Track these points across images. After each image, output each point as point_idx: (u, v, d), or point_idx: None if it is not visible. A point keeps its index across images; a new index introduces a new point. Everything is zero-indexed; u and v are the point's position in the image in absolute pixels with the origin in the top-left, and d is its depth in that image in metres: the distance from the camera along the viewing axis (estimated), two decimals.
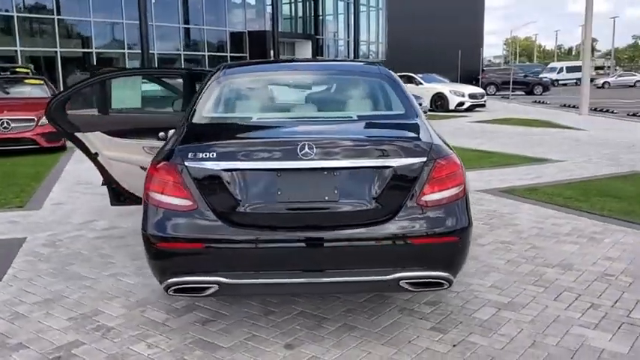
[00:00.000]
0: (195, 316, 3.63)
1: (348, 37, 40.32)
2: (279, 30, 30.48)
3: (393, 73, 4.12)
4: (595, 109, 20.71)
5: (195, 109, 3.65)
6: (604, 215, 5.93)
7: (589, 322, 3.48)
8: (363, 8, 40.16)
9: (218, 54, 29.80)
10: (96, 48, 23.71)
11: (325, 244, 2.96)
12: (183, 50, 27.92)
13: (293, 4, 36.14)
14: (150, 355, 3.15)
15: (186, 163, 3.03)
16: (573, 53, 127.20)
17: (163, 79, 5.73)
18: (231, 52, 30.21)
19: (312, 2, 35.90)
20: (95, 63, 18.86)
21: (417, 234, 2.98)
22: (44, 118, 11.27)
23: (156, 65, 23.79)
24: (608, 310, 3.63)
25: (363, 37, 40.74)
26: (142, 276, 4.33)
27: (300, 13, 36.29)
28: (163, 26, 26.06)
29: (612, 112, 20.12)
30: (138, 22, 22.16)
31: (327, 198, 3.00)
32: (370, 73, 4.20)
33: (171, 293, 3.11)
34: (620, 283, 4.08)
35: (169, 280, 3.04)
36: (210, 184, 3.01)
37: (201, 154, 3.02)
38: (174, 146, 3.15)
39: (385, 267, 2.98)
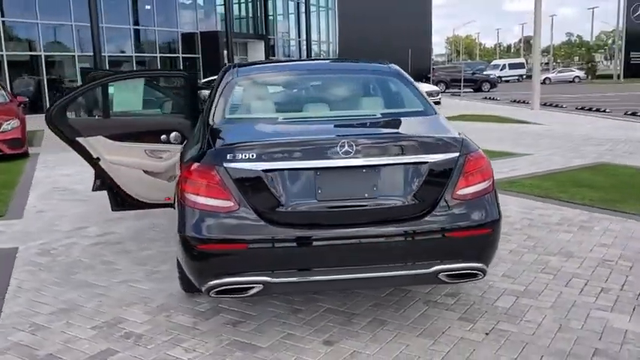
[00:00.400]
0: (223, 318, 3.62)
1: (300, 37, 40.38)
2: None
3: (403, 72, 4.20)
4: (545, 104, 21.48)
5: (215, 111, 3.63)
6: (586, 205, 6.20)
7: (605, 305, 3.65)
8: (313, 8, 40.27)
9: (170, 55, 29.32)
10: (44, 51, 22.92)
11: (366, 241, 3.01)
12: (135, 52, 27.31)
13: (244, 5, 35.91)
14: (190, 359, 3.12)
15: (225, 165, 3.02)
16: (512, 50, 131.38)
17: (152, 81, 5.67)
18: (183, 53, 29.76)
19: (263, 2, 35.76)
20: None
21: (454, 227, 3.07)
22: (5, 124, 10.97)
23: (107, 67, 23.20)
24: (619, 294, 3.82)
25: (314, 36, 40.87)
26: (154, 281, 4.27)
27: (251, 14, 36.10)
28: (113, 28, 25.42)
29: (562, 107, 20.93)
30: (87, 23, 21.53)
31: (366, 195, 3.05)
32: (383, 71, 4.26)
33: (213, 295, 3.08)
34: (622, 268, 4.29)
35: (212, 282, 3.02)
36: (250, 185, 3.01)
37: (240, 155, 3.01)
38: (209, 148, 3.13)
39: (425, 260, 3.06)
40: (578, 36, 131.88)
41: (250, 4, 35.87)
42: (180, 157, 3.73)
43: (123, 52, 26.98)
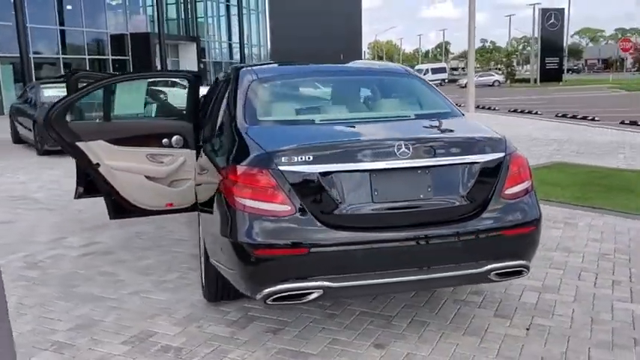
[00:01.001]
0: (259, 326, 3.51)
1: (230, 40, 39.96)
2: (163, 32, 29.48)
3: (418, 73, 4.24)
4: (478, 107, 22.30)
5: (244, 112, 3.51)
6: (561, 202, 6.48)
7: (623, 296, 3.83)
8: (244, 11, 39.96)
9: (99, 57, 28.21)
10: None
11: (423, 242, 3.01)
12: (62, 53, 26.04)
13: (174, 6, 35.10)
14: None
15: (280, 168, 2.93)
16: (430, 56, 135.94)
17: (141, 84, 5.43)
18: (113, 55, 28.71)
19: (193, 4, 35.10)
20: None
21: (505, 226, 3.13)
22: None
23: (33, 69, 22.04)
24: (631, 285, 4.02)
25: (244, 39, 40.55)
26: (166, 291, 4.09)
27: (182, 15, 35.34)
28: (39, 28, 24.13)
29: (495, 109, 21.81)
30: (10, 23, 20.40)
31: (421, 196, 3.05)
32: (400, 73, 4.28)
33: (270, 302, 2.98)
34: (622, 261, 4.51)
35: (270, 289, 2.91)
36: (307, 188, 2.94)
37: (296, 158, 2.94)
38: (257, 150, 3.03)
39: (478, 259, 3.09)
40: (491, 42, 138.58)
41: (181, 6, 35.12)
42: (205, 162, 3.61)
43: (50, 53, 25.65)
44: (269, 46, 43.05)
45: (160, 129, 4.61)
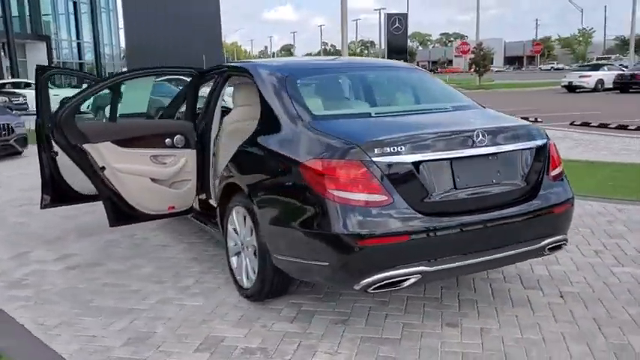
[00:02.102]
0: (324, 319, 3.52)
1: (79, 39, 37.46)
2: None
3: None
4: None
5: (296, 108, 3.51)
6: None
7: (613, 262, 4.35)
8: (85, 8, 37.57)
9: None
10: None
11: (500, 223, 3.25)
12: None
13: (21, 4, 32.04)
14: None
15: (373, 159, 3.01)
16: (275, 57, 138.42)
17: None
18: None
19: (41, 2, 32.37)
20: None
21: (555, 204, 3.47)
22: None
23: None
24: (611, 253, 4.60)
25: (88, 38, 38.17)
26: (197, 296, 3.93)
27: (27, 12, 32.37)
28: None
29: None
30: None
31: (493, 180, 3.29)
32: (415, 69, 4.50)
33: (370, 291, 3.04)
34: (588, 234, 5.13)
35: (370, 279, 2.98)
36: (399, 177, 3.05)
37: (387, 149, 3.03)
38: (342, 144, 3.07)
39: (538, 236, 3.41)
40: (332, 45, 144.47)
41: (27, 3, 32.15)
42: (261, 159, 3.52)
43: None
44: (123, 46, 40.97)
45: (162, 129, 4.39)
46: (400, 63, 4.77)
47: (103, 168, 4.11)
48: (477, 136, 3.21)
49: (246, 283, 3.79)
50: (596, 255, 4.55)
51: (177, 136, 4.38)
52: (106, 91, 4.49)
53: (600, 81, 29.51)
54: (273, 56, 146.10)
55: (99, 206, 6.00)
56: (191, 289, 4.06)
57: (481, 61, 39.11)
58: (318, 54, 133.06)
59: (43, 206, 5.01)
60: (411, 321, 3.48)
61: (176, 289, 4.08)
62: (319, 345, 3.21)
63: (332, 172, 3.01)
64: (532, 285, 3.98)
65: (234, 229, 3.91)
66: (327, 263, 3.08)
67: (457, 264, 3.15)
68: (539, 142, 3.50)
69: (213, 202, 4.61)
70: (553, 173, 3.55)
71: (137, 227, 5.55)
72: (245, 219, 3.72)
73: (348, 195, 2.99)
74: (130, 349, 3.22)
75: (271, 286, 3.61)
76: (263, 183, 3.52)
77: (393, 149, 3.04)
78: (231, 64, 4.62)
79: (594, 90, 29.04)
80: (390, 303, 3.73)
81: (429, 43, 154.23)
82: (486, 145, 3.24)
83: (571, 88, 29.55)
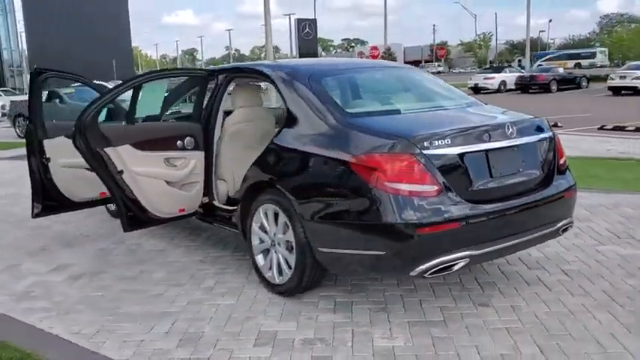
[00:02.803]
0: (363, 308, 3.67)
1: None
2: None
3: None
4: None
5: (328, 106, 3.66)
6: None
7: (595, 242, 4.80)
8: None
9: None
10: None
11: (528, 208, 3.55)
12: None
13: None
14: (407, 344, 3.20)
15: (423, 152, 3.21)
16: (179, 63, 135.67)
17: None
18: None
19: None
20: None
21: (565, 189, 3.82)
22: None
23: None
24: (588, 233, 5.08)
25: None
26: (227, 296, 3.95)
27: None
28: None
29: None
30: None
31: (520, 170, 3.59)
32: (414, 69, 4.74)
33: (427, 276, 3.23)
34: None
35: (426, 265, 3.17)
36: (447, 168, 3.26)
37: (436, 142, 3.24)
38: (394, 138, 3.25)
39: (555, 219, 3.75)
40: (236, 50, 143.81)
41: None
42: (304, 156, 3.61)
43: None
44: (25, 51, 38.66)
45: (174, 131, 4.35)
46: (397, 63, 5.00)
47: (121, 172, 4.02)
48: (508, 128, 3.50)
49: (277, 280, 3.86)
50: (576, 237, 4.99)
51: (188, 138, 4.36)
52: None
53: (503, 82, 31.56)
54: (175, 61, 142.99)
55: (73, 216, 5.85)
56: (216, 290, 4.07)
57: None
58: (224, 58, 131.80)
59: (35, 215, 4.80)
60: (445, 304, 3.70)
61: (201, 290, 4.08)
62: (372, 331, 3.36)
63: (386, 165, 3.18)
64: (535, 266, 4.33)
65: (261, 228, 3.97)
66: (382, 252, 3.24)
67: (497, 247, 3.42)
68: (549, 134, 3.85)
69: (217, 203, 4.63)
70: (561, 161, 3.91)
71: (124, 234, 5.43)
72: (277, 216, 3.80)
73: (402, 186, 3.16)
74: (188, 349, 3.22)
75: (309, 279, 3.71)
76: (303, 180, 3.61)
77: (440, 142, 3.26)
78: (241, 65, 4.67)
79: (497, 91, 31.01)
80: (419, 290, 3.94)
81: (331, 48, 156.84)
82: (514, 137, 3.53)
83: (476, 90, 31.30)
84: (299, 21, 51.61)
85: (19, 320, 3.70)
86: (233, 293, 4.00)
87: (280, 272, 3.86)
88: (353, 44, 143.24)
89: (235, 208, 4.35)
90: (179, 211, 4.46)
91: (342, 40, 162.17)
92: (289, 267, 3.77)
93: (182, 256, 4.83)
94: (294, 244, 3.67)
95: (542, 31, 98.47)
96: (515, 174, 3.57)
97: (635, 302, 3.64)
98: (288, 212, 3.68)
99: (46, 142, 4.65)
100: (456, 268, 3.29)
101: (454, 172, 3.30)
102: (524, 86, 30.03)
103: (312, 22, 51.75)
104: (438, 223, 3.18)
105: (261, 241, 4.01)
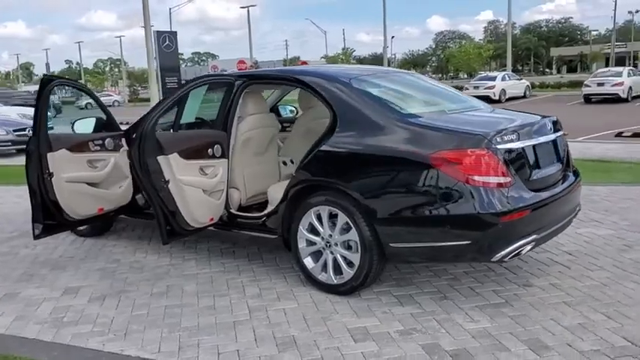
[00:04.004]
0: (425, 299, 3.87)
1: None
2: None
3: None
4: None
5: (384, 108, 3.85)
6: None
7: (575, 227, 5.45)
8: None
9: None
10: None
11: (565, 195, 3.97)
12: None
13: None
14: (491, 324, 3.46)
15: (497, 147, 3.51)
16: (11, 77, 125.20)
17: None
18: None
19: None
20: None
21: (578, 179, 4.33)
22: None
23: None
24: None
25: None
26: (285, 299, 3.94)
27: None
28: None
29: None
30: None
31: (553, 161, 4.02)
32: (417, 75, 5.05)
33: (506, 260, 3.52)
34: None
35: (506, 250, 3.47)
36: (514, 161, 3.59)
37: (505, 138, 3.56)
38: (473, 135, 3.52)
39: (576, 204, 4.24)
40: (78, 63, 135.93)
41: None
42: (381, 155, 3.71)
43: None
44: None
45: (208, 138, 4.24)
46: (401, 70, 5.28)
47: (168, 181, 3.84)
48: (547, 126, 3.92)
49: (336, 280, 3.93)
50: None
51: (216, 146, 4.27)
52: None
53: None
54: (7, 76, 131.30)
55: (30, 240, 5.33)
56: (266, 296, 4.04)
57: None
58: (64, 72, 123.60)
59: (36, 237, 4.37)
60: (494, 288, 4.02)
61: (251, 298, 4.02)
62: (453, 318, 3.57)
63: (470, 160, 3.43)
64: (538, 249, 4.80)
65: (311, 230, 4.01)
66: (468, 242, 3.47)
67: (550, 230, 3.81)
68: (563, 131, 4.34)
69: (233, 210, 4.59)
70: (571, 156, 4.43)
71: (112, 253, 5.14)
72: (337, 217, 3.87)
73: (484, 179, 3.43)
74: (293, 353, 3.21)
75: (373, 276, 3.84)
76: (373, 180, 3.72)
77: (507, 138, 3.58)
78: (268, 72, 4.69)
79: None
80: (460, 278, 4.22)
81: (181, 61, 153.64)
82: (551, 133, 3.96)
83: None
84: (158, 33, 50.14)
85: (79, 347, 3.40)
86: (287, 297, 3.99)
87: (338, 272, 3.93)
88: (204, 58, 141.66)
89: (264, 214, 4.35)
90: (209, 220, 4.34)
91: (193, 53, 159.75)
92: (350, 266, 3.86)
93: (200, 269, 4.67)
94: (358, 242, 3.77)
95: (386, 47, 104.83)
96: (550, 165, 3.99)
97: None
98: (350, 212, 3.77)
99: (50, 156, 4.27)
100: (524, 252, 3.62)
101: (518, 164, 3.64)
102: None
103: (173, 35, 50.12)
104: (516, 210, 3.48)
105: (310, 244, 4.05)
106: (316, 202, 3.96)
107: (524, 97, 30.74)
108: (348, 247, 3.88)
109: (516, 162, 3.64)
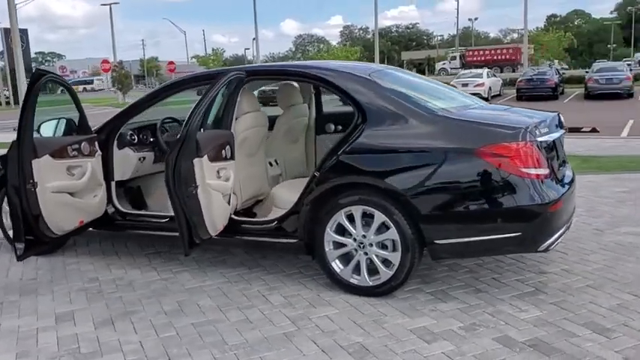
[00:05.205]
0: (461, 292, 3.88)
1: None
2: None
3: None
4: None
5: (419, 105, 3.81)
6: None
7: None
8: None
9: None
10: None
11: (573, 189, 4.12)
12: None
13: None
14: (544, 312, 3.54)
15: (537, 139, 3.60)
16: None
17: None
18: None
19: None
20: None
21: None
22: None
23: None
24: None
25: None
26: (320, 306, 3.75)
27: None
28: None
29: None
30: None
31: (560, 154, 4.19)
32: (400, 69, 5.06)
33: (549, 249, 3.61)
34: None
35: (550, 240, 3.57)
36: (546, 153, 3.70)
37: (541, 131, 3.66)
38: (515, 129, 3.55)
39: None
40: None
41: None
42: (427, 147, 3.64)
43: None
44: None
45: (223, 138, 3.89)
46: (393, 67, 5.23)
47: (197, 186, 3.46)
48: (559, 120, 4.09)
49: (371, 282, 3.81)
50: None
51: (227, 147, 3.96)
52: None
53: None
54: None
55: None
56: (297, 304, 3.80)
57: (124, 79, 38.80)
58: None
59: (20, 257, 3.75)
60: (517, 277, 4.12)
61: (283, 307, 3.76)
62: (503, 309, 3.60)
63: (517, 152, 3.47)
64: None
65: (339, 232, 3.85)
66: (519, 233, 3.52)
67: (570, 222, 3.99)
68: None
69: (234, 215, 4.30)
70: None
71: (83, 271, 4.58)
72: (370, 217, 3.75)
73: (531, 170, 3.49)
74: (375, 359, 3.05)
75: (411, 274, 3.77)
76: (413, 176, 3.62)
77: (540, 131, 3.68)
78: (284, 66, 4.47)
79: None
80: (474, 271, 4.28)
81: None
82: (560, 129, 4.14)
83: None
84: (6, 31, 45.76)
85: None
86: (320, 303, 3.80)
87: (373, 273, 3.81)
88: (48, 58, 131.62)
89: (278, 217, 4.12)
90: (222, 227, 4.00)
91: (37, 53, 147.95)
92: (387, 266, 3.75)
93: (200, 281, 4.30)
94: (399, 241, 3.68)
95: (247, 49, 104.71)
96: (558, 159, 4.17)
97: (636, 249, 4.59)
98: (388, 211, 3.67)
99: (35, 163, 3.69)
100: (558, 241, 3.74)
101: (550, 156, 3.76)
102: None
103: (24, 33, 46.36)
104: (557, 200, 3.59)
105: (339, 246, 3.89)
106: (348, 202, 3.80)
107: (499, 95, 29.12)
108: (383, 247, 3.77)
109: (548, 154, 3.76)
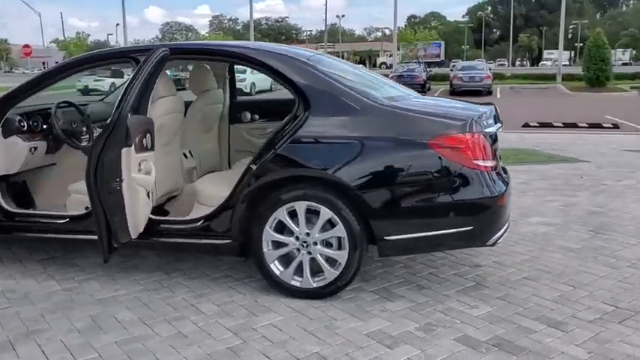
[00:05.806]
0: (394, 292, 3.70)
1: None
2: None
3: None
4: None
5: (370, 96, 3.58)
6: None
7: None
8: None
9: None
10: None
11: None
12: None
13: None
14: (494, 309, 3.47)
15: (483, 130, 3.49)
16: None
17: None
18: None
19: None
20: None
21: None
22: None
23: None
24: None
25: None
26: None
27: None
28: None
29: None
30: None
31: (496, 151, 4.13)
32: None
33: (498, 243, 3.53)
34: None
35: (499, 233, 3.49)
36: (489, 147, 3.60)
37: (485, 123, 3.55)
38: (463, 118, 3.41)
39: None
40: None
41: None
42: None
43: None
44: None
45: (145, 126, 3.37)
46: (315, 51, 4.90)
47: (122, 180, 2.93)
48: (496, 113, 4.04)
49: (315, 283, 3.52)
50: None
51: (148, 135, 3.45)
52: None
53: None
54: None
55: None
56: (234, 313, 3.41)
57: None
58: None
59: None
60: (453, 272, 4.04)
61: (220, 317, 3.35)
62: (452, 307, 3.46)
63: (469, 144, 3.34)
64: None
65: (279, 230, 3.52)
66: (470, 227, 3.39)
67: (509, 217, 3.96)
68: None
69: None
70: None
71: (53, 292, 3.84)
72: (314, 213, 3.45)
73: (481, 162, 3.38)
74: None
75: (357, 273, 3.54)
76: (362, 168, 3.36)
77: (486, 123, 3.58)
78: (210, 45, 3.97)
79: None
80: (411, 267, 4.15)
81: None
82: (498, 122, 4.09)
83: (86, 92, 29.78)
84: None
85: None
86: (260, 310, 3.43)
87: (317, 274, 3.52)
88: None
89: (204, 216, 3.69)
90: (142, 227, 3.49)
91: None
92: (333, 265, 3.49)
93: (112, 290, 3.74)
94: (346, 239, 3.42)
95: (110, 34, 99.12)
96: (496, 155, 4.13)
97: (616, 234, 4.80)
98: (335, 207, 3.40)
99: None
100: (504, 236, 3.68)
101: (491, 150, 3.67)
102: None
103: None
104: (505, 193, 3.53)
105: (279, 246, 3.55)
106: (291, 198, 3.46)
107: None
108: (328, 245, 3.50)
109: (491, 147, 3.67)
